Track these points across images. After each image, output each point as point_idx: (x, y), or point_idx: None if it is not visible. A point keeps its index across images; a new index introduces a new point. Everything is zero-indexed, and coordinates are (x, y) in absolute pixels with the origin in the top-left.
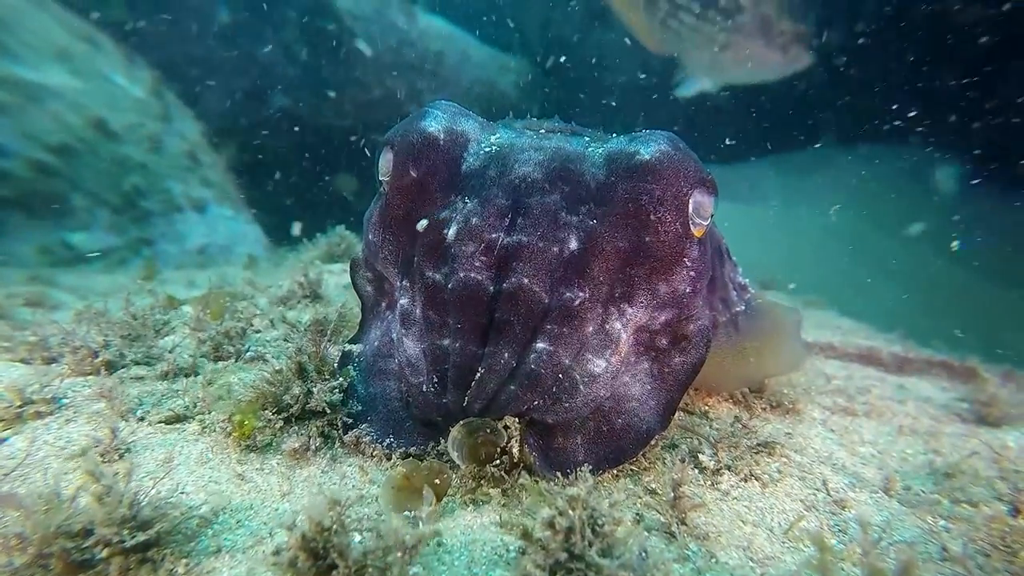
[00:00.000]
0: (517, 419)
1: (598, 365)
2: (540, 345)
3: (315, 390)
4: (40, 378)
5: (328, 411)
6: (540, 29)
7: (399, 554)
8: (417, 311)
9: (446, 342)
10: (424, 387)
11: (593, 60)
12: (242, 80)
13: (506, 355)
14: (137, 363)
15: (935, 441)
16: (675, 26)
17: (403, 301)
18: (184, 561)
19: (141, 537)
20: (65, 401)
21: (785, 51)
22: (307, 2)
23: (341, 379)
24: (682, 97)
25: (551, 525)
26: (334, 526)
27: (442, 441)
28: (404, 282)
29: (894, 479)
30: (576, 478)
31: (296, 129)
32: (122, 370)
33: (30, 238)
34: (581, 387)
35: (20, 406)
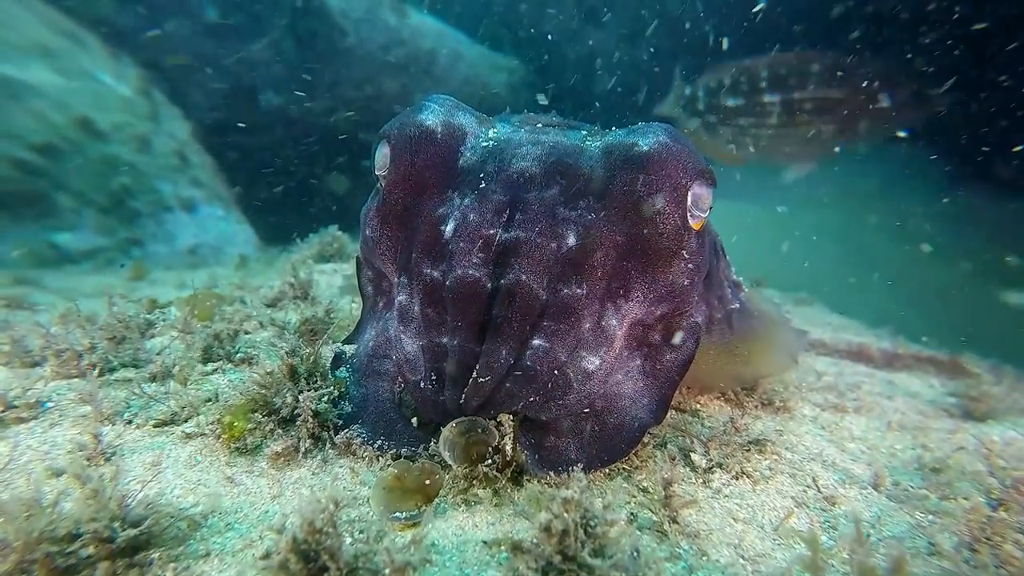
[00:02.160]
0: (511, 416)
1: (592, 363)
2: (537, 342)
3: (301, 399)
4: (22, 382)
5: (315, 418)
6: (532, 28)
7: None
8: (415, 308)
9: (444, 339)
10: (422, 384)
11: (585, 59)
12: (231, 79)
13: (504, 352)
14: (124, 365)
15: (923, 436)
16: (750, 142)
17: (401, 298)
18: (172, 565)
19: (132, 532)
20: (49, 405)
21: (904, 97)
22: (297, 0)
23: (332, 388)
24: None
25: (547, 529)
26: (325, 527)
27: (433, 442)
28: (402, 278)
29: (883, 475)
30: (568, 477)
31: (286, 128)
32: (108, 373)
33: (14, 239)
34: (575, 384)
35: (1, 411)
